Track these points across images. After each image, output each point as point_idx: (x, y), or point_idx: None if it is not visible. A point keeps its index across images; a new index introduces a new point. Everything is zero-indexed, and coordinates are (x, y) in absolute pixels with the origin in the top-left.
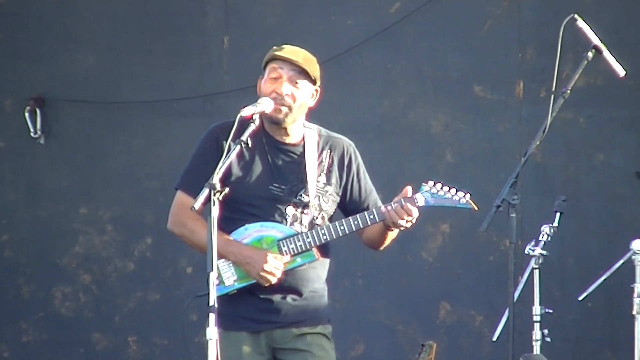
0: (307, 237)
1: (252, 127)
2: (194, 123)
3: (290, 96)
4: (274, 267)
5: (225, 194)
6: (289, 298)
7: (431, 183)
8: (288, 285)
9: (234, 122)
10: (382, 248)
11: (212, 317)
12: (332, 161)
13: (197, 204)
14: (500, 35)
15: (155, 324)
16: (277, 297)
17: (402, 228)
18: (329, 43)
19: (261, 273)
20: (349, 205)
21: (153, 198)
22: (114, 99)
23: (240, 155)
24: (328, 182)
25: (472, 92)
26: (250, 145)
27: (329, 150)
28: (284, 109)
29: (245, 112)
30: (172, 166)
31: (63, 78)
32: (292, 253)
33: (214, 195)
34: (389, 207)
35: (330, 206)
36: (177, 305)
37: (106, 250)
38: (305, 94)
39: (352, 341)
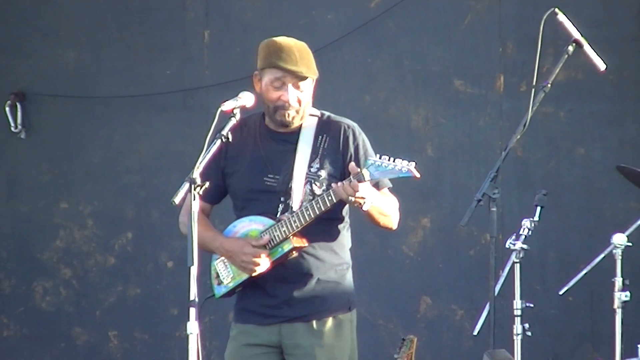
0: (282, 227)
1: (232, 122)
2: (174, 117)
3: (297, 101)
4: (252, 255)
5: (210, 188)
6: (295, 291)
7: (377, 156)
8: (293, 277)
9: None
10: (382, 224)
11: (192, 311)
12: (327, 145)
13: (177, 199)
14: (481, 30)
15: (136, 318)
16: (282, 290)
17: (356, 204)
18: (309, 37)
19: (241, 264)
20: None
21: (134, 192)
22: (95, 93)
23: (235, 152)
24: (321, 167)
25: (453, 86)
26: (231, 140)
27: (324, 135)
28: (292, 113)
29: (226, 106)
30: (152, 161)
31: (43, 73)
32: (273, 244)
33: (194, 189)
34: (340, 184)
35: (325, 189)
36: (157, 300)
37: (87, 244)
38: (310, 91)
39: None
